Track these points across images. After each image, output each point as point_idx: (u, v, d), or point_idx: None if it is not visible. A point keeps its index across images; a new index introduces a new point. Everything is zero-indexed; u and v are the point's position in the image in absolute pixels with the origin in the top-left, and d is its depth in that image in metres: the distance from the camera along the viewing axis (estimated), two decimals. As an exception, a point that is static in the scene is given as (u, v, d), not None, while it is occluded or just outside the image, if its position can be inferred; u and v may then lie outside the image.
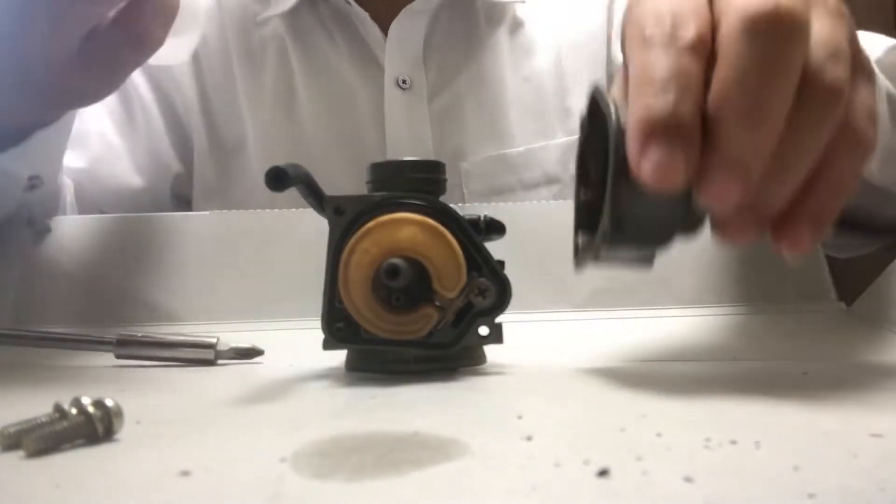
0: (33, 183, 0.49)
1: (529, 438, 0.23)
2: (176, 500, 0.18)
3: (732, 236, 0.27)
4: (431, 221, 0.32)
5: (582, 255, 0.32)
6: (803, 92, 0.25)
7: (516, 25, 0.69)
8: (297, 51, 0.67)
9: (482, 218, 0.34)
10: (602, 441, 0.23)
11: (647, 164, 0.25)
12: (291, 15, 0.66)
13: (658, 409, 0.27)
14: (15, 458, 0.21)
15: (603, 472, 0.19)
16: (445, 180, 0.35)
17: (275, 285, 0.47)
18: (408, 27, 0.66)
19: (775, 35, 0.25)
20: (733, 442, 0.22)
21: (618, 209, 0.27)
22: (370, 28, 0.66)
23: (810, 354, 0.38)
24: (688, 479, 0.19)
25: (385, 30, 0.66)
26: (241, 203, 0.57)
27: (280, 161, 0.30)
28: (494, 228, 0.34)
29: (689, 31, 0.26)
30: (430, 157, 0.64)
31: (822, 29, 0.26)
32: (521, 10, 0.69)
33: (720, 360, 0.36)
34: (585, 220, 0.33)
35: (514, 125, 0.67)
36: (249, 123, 0.67)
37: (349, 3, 0.66)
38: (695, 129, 0.25)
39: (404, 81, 0.65)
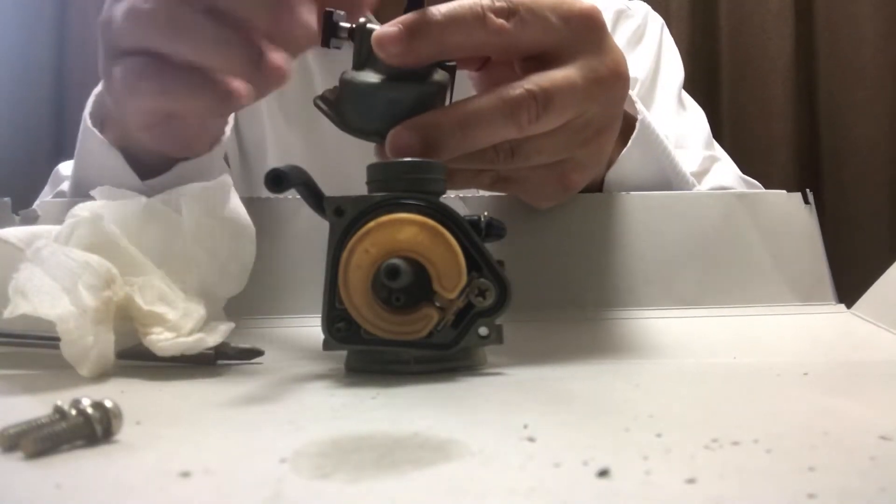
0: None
1: (529, 439, 0.23)
2: (176, 500, 0.18)
3: None
4: (431, 222, 0.31)
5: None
6: None
7: None
8: (318, 64, 0.67)
9: (482, 218, 0.34)
10: (602, 442, 0.23)
11: None
12: None
13: (658, 409, 0.27)
14: (15, 460, 0.21)
15: (603, 473, 0.19)
16: (445, 181, 0.35)
17: (277, 278, 0.46)
18: None
19: None
20: (734, 443, 0.22)
21: None
22: None
23: (810, 355, 0.38)
24: (689, 481, 0.19)
25: None
26: None
27: None
28: (495, 229, 0.34)
29: None
30: None
31: None
32: None
33: (721, 361, 0.36)
34: None
35: None
36: (269, 132, 0.68)
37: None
38: None
39: None
